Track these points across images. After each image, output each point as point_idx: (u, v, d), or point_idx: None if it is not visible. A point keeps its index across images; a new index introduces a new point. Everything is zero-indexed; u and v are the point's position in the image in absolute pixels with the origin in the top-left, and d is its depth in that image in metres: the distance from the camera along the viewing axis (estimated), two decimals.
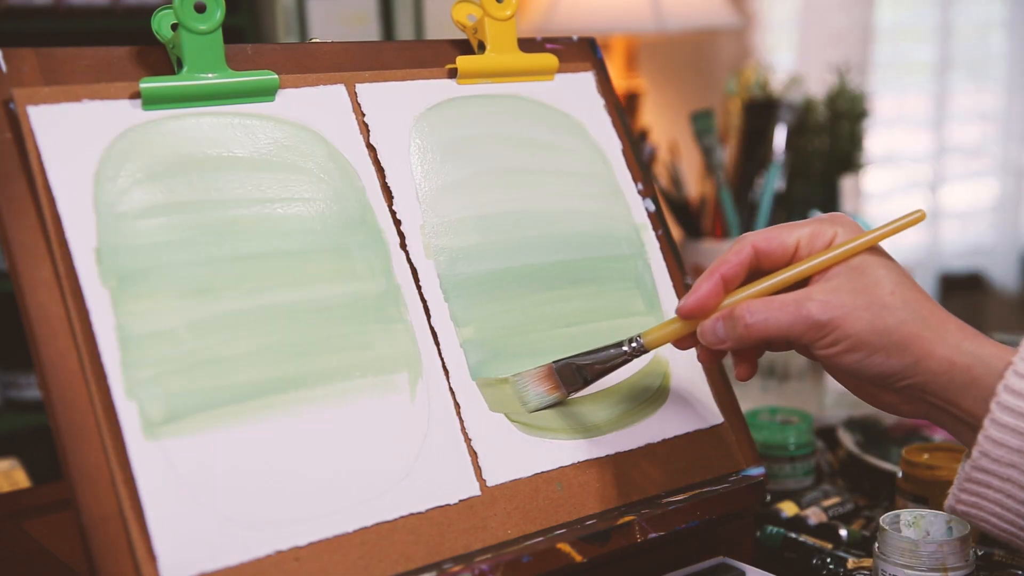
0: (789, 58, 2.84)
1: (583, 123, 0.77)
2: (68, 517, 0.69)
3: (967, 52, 3.23)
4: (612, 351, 0.66)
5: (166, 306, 0.58)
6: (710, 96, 2.48)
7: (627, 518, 0.65)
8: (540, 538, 0.63)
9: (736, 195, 1.42)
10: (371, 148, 0.68)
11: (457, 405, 0.64)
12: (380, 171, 0.68)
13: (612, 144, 0.77)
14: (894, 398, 0.62)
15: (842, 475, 0.93)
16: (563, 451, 0.66)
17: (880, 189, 3.14)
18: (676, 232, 1.39)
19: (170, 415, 0.56)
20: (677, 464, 0.70)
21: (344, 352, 0.62)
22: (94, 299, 0.56)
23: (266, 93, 0.65)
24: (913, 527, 0.67)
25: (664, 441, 0.70)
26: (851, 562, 0.73)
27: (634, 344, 0.65)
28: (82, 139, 0.59)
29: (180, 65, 0.63)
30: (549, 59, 0.76)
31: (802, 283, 0.62)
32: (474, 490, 0.63)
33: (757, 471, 0.72)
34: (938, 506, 0.76)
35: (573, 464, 0.66)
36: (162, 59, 0.63)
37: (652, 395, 0.71)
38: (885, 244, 0.63)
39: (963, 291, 3.13)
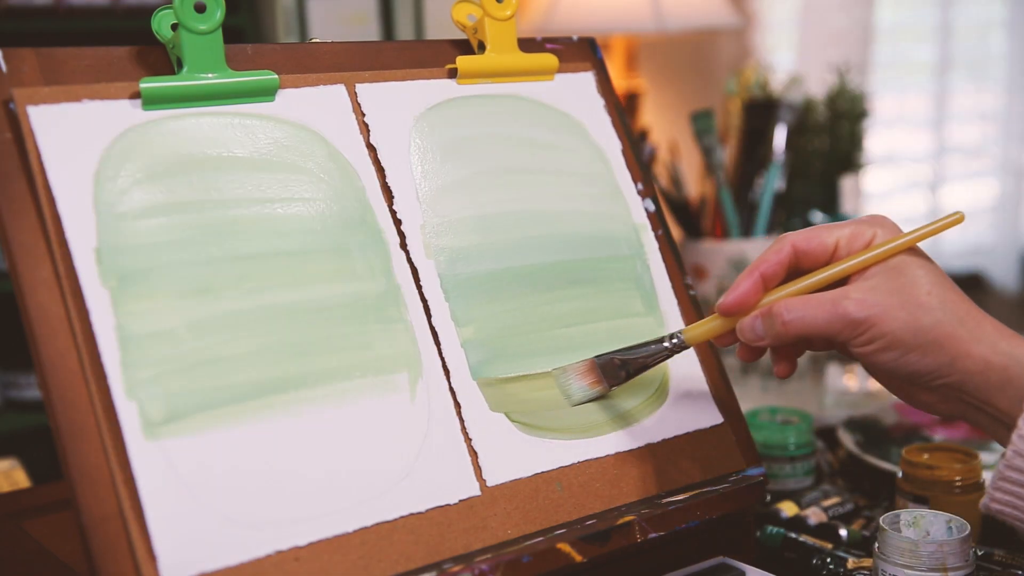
0: (789, 58, 2.84)
1: (583, 123, 0.77)
2: (68, 517, 0.69)
3: (967, 52, 3.23)
4: (653, 347, 0.67)
5: (166, 306, 0.58)
6: (710, 96, 2.48)
7: (627, 518, 0.65)
8: (540, 538, 0.63)
9: (736, 195, 1.42)
10: (371, 148, 0.68)
11: (458, 405, 0.65)
12: (380, 171, 0.68)
13: (612, 144, 0.77)
14: (931, 397, 0.63)
15: (842, 475, 0.93)
16: (563, 451, 0.66)
17: (880, 189, 3.14)
18: (676, 232, 1.39)
19: (170, 415, 0.56)
20: (677, 464, 0.70)
21: (344, 352, 0.62)
22: (94, 299, 0.56)
23: (266, 93, 0.65)
24: (913, 527, 0.67)
25: (664, 441, 0.70)
26: (851, 562, 0.73)
27: (675, 340, 0.66)
28: (82, 139, 0.59)
29: (180, 65, 0.63)
30: (549, 59, 0.76)
31: (841, 282, 0.63)
32: (474, 490, 0.63)
33: (757, 471, 0.72)
34: (938, 506, 0.76)
35: (573, 464, 0.66)
36: (162, 59, 0.63)
37: (652, 395, 0.71)
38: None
39: (963, 291, 3.13)
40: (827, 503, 0.83)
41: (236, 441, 0.57)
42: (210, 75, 0.63)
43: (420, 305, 0.66)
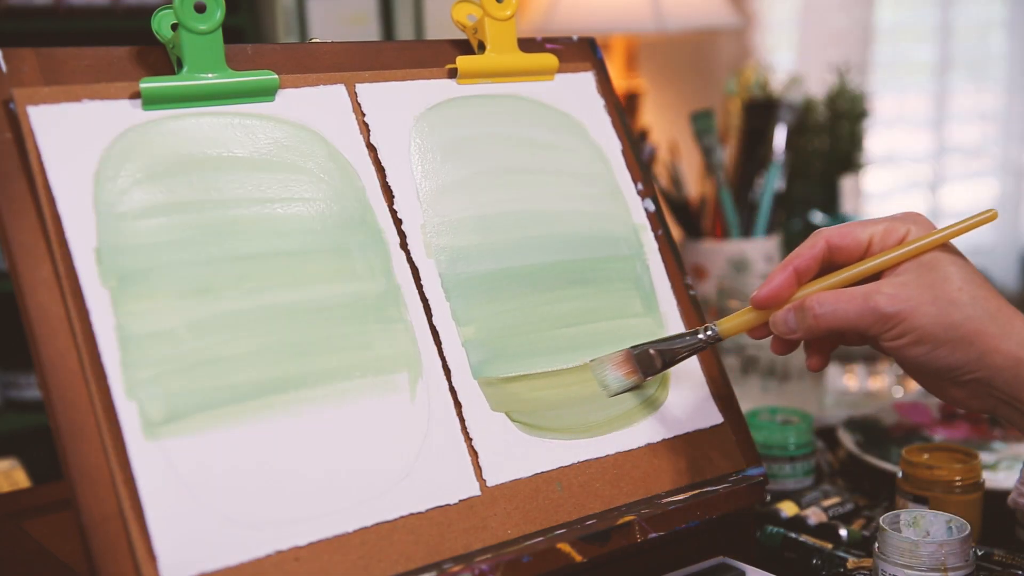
0: (789, 58, 2.84)
1: (583, 123, 0.77)
2: (68, 517, 0.69)
3: (967, 52, 3.23)
4: (688, 339, 0.68)
5: (166, 306, 0.58)
6: (710, 96, 2.49)
7: (627, 518, 0.65)
8: (540, 538, 0.63)
9: (736, 195, 1.42)
10: (371, 148, 0.68)
11: (459, 404, 0.64)
12: (380, 171, 0.68)
13: (612, 144, 0.77)
14: (960, 392, 0.64)
15: (842, 475, 0.93)
16: (563, 451, 0.66)
17: (880, 189, 3.14)
18: (676, 232, 1.39)
19: (170, 415, 0.56)
20: (677, 464, 0.70)
21: (344, 352, 0.62)
22: (94, 299, 0.56)
23: (266, 93, 0.65)
24: (913, 527, 0.67)
25: (664, 441, 0.70)
26: (851, 562, 0.73)
27: (709, 332, 0.68)
28: (82, 139, 0.59)
29: (180, 65, 0.63)
30: (549, 59, 0.76)
31: (874, 278, 0.64)
32: (474, 490, 0.63)
33: (757, 471, 0.72)
34: (938, 506, 0.76)
35: (573, 464, 0.66)
36: (162, 59, 0.63)
37: (652, 395, 0.71)
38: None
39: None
40: (827, 503, 0.83)
41: (236, 441, 0.57)
42: (210, 75, 0.63)
43: (420, 305, 0.66)
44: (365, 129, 0.68)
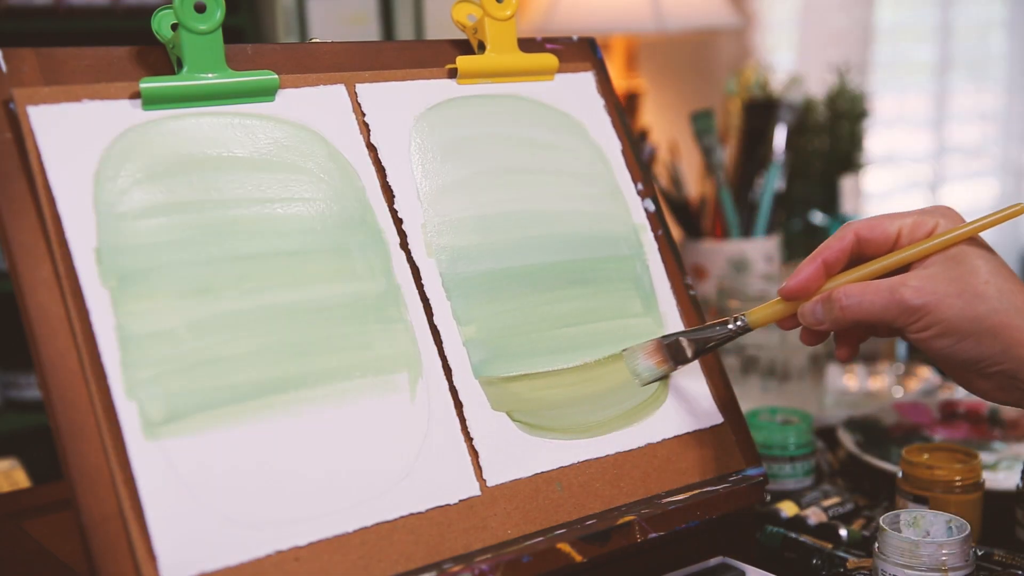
0: (789, 58, 2.84)
1: (583, 123, 0.77)
2: (68, 517, 0.69)
3: (967, 52, 3.23)
4: (718, 328, 0.69)
5: (166, 306, 0.58)
6: (710, 96, 2.49)
7: (627, 518, 0.65)
8: (540, 538, 0.63)
9: (736, 195, 1.42)
10: (371, 148, 0.68)
11: (459, 404, 0.64)
12: (380, 171, 0.68)
13: (612, 144, 0.77)
14: (987, 384, 0.64)
15: (842, 475, 0.93)
16: (563, 451, 0.66)
17: (880, 189, 3.14)
18: (676, 232, 1.39)
19: (170, 415, 0.56)
20: (677, 464, 0.70)
21: (344, 352, 0.62)
22: (94, 299, 0.56)
23: (266, 93, 0.65)
24: (913, 527, 0.67)
25: (664, 441, 0.70)
26: (851, 562, 0.73)
27: (739, 323, 0.69)
28: (82, 139, 0.59)
29: (180, 65, 0.63)
30: (549, 59, 0.76)
31: (902, 270, 0.65)
32: (474, 490, 0.63)
33: (757, 471, 0.72)
34: (938, 506, 0.76)
35: (573, 464, 0.66)
36: (162, 59, 0.63)
37: (652, 395, 0.71)
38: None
39: None
40: (827, 503, 0.83)
41: (236, 441, 0.57)
42: (210, 75, 0.63)
43: (420, 305, 0.66)
44: (365, 129, 0.68)
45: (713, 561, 0.70)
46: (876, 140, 2.48)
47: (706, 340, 0.69)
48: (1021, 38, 3.23)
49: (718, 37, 2.73)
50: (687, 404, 0.72)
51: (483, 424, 0.65)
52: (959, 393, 1.13)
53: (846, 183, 1.83)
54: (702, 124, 1.41)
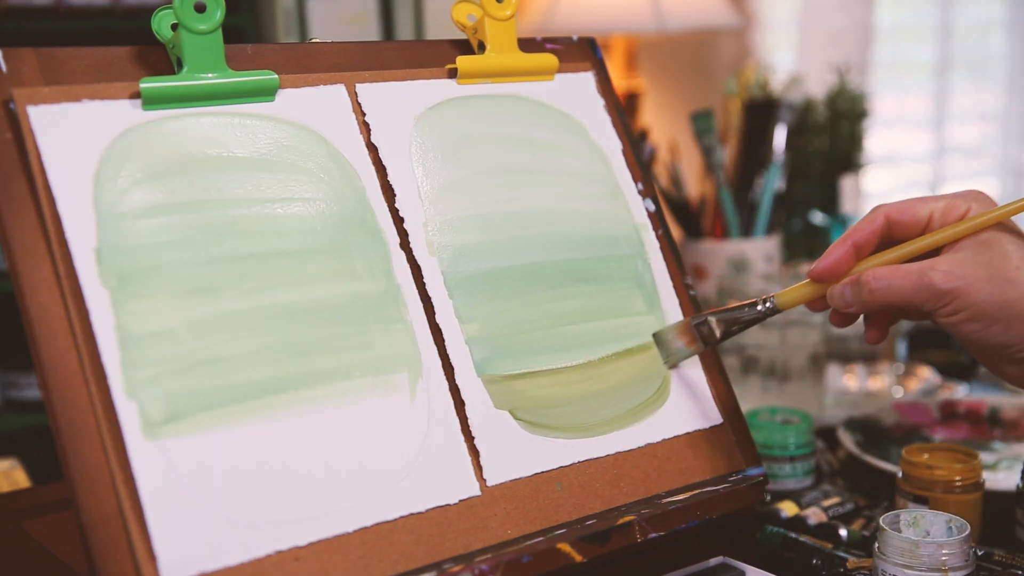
0: (789, 58, 2.84)
1: (583, 123, 0.77)
2: (68, 517, 0.69)
3: (967, 52, 3.23)
4: (747, 309, 0.69)
5: (166, 306, 0.58)
6: (710, 96, 2.49)
7: (627, 518, 0.65)
8: (540, 538, 0.63)
9: (736, 195, 1.42)
10: (371, 148, 0.68)
11: (461, 403, 0.64)
12: (381, 170, 0.68)
13: (612, 144, 0.77)
14: (1015, 370, 0.65)
15: (842, 475, 0.93)
16: (563, 451, 0.66)
17: (880, 189, 3.14)
18: (676, 232, 1.39)
19: (170, 415, 0.56)
20: (677, 464, 0.70)
21: (344, 352, 0.62)
22: (94, 299, 0.56)
23: (266, 93, 0.65)
24: (913, 527, 0.67)
25: (664, 441, 0.70)
26: (851, 562, 0.73)
27: (768, 304, 0.69)
28: (82, 139, 0.59)
29: (180, 65, 0.63)
30: (549, 59, 0.76)
31: (933, 254, 0.65)
32: (474, 490, 0.63)
33: (757, 471, 0.72)
34: (938, 506, 0.76)
35: (573, 464, 0.66)
36: (162, 59, 0.63)
37: (653, 395, 0.71)
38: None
39: None
40: (827, 503, 0.83)
41: (236, 441, 0.57)
42: (210, 75, 0.63)
43: (420, 304, 0.66)
44: (365, 129, 0.68)
45: (713, 561, 0.70)
46: (876, 140, 2.48)
47: (735, 320, 0.70)
48: (1021, 38, 3.23)
49: (718, 37, 2.73)
50: (687, 404, 0.72)
51: (485, 423, 0.65)
52: (959, 393, 1.14)
53: (846, 183, 1.83)
54: (702, 124, 1.41)
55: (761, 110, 1.47)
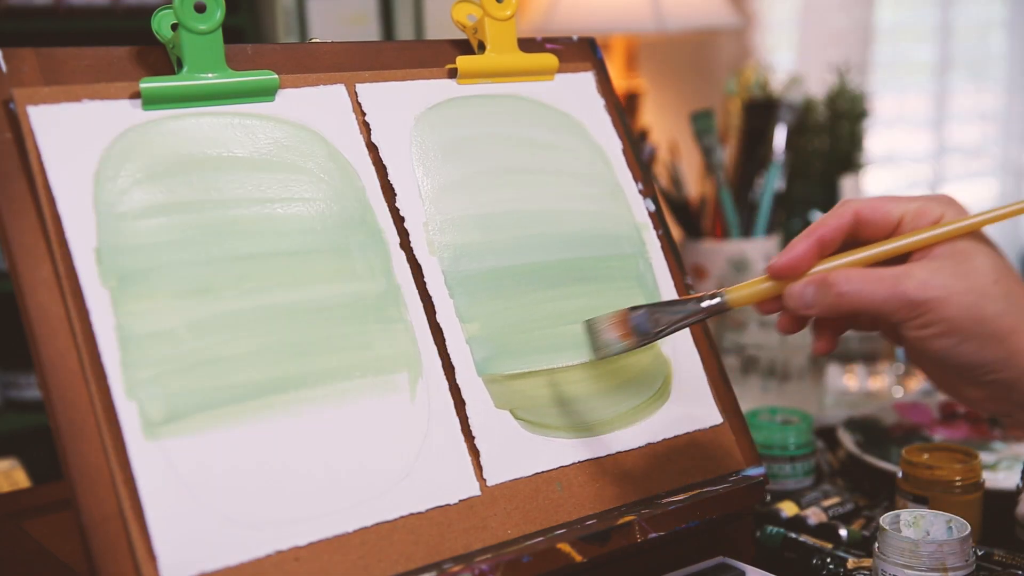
0: (789, 58, 2.84)
1: (583, 123, 0.77)
2: (68, 517, 0.69)
3: (967, 52, 3.23)
4: (691, 306, 0.63)
5: (166, 306, 0.58)
6: (710, 96, 2.48)
7: (627, 518, 0.65)
8: (540, 538, 0.63)
9: (736, 195, 1.42)
10: (372, 148, 0.68)
11: (461, 402, 0.64)
12: (381, 170, 0.68)
13: (612, 144, 0.77)
14: (978, 393, 0.60)
15: (842, 475, 0.93)
16: (563, 451, 0.66)
17: (880, 189, 3.14)
18: (676, 232, 1.39)
19: (170, 415, 0.56)
20: (677, 464, 0.70)
21: (344, 352, 0.62)
22: (94, 299, 0.56)
23: (266, 93, 0.65)
24: (913, 527, 0.67)
25: (664, 441, 0.70)
26: (851, 562, 0.73)
27: (716, 300, 0.62)
28: (82, 139, 0.59)
29: (180, 65, 0.63)
30: (549, 59, 0.76)
31: (899, 260, 0.60)
32: (474, 490, 0.63)
33: (757, 471, 0.72)
34: (938, 506, 0.76)
35: (573, 464, 0.66)
36: (162, 59, 0.63)
37: (653, 395, 0.71)
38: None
39: None
40: (827, 503, 0.83)
41: (236, 441, 0.57)
42: (210, 75, 0.63)
43: (420, 304, 0.66)
44: (365, 129, 0.68)
45: (713, 561, 0.70)
46: (876, 140, 2.48)
47: (676, 318, 0.63)
48: (1021, 38, 3.23)
49: (718, 37, 2.73)
50: (687, 404, 0.72)
51: (485, 422, 0.65)
52: None
53: (846, 183, 1.83)
54: (702, 124, 1.41)
55: (761, 110, 1.47)
